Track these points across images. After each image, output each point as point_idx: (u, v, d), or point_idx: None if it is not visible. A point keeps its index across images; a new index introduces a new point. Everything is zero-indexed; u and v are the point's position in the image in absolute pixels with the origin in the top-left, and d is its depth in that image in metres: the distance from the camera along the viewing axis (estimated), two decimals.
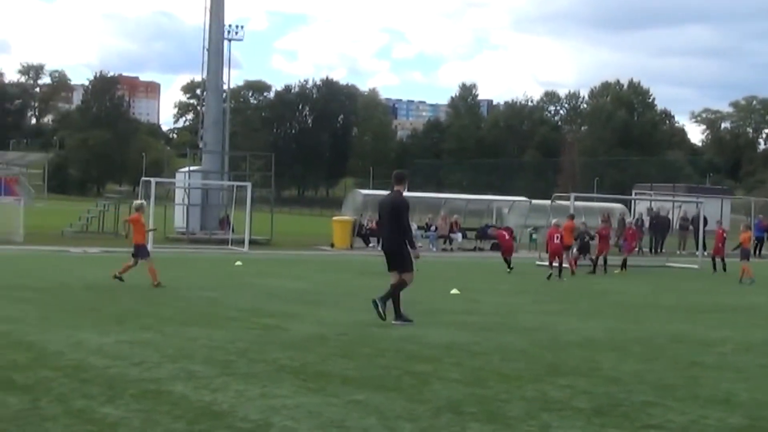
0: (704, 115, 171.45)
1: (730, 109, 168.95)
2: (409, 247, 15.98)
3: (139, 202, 24.67)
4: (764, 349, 14.33)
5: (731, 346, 14.41)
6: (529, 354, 13.00)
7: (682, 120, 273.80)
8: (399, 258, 15.92)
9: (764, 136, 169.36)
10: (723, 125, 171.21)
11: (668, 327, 16.78)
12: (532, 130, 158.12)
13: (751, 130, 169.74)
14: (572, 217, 31.47)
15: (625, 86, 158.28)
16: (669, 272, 34.38)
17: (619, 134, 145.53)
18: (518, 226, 47.58)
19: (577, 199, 38.25)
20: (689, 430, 8.69)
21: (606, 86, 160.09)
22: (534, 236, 46.36)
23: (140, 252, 22.16)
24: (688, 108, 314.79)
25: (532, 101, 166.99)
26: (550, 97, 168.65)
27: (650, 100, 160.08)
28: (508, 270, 29.66)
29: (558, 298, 22.10)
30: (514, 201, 52.53)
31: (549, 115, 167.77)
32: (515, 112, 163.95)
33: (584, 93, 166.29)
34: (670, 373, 11.73)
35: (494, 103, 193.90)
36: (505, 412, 9.21)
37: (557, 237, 28.42)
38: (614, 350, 13.61)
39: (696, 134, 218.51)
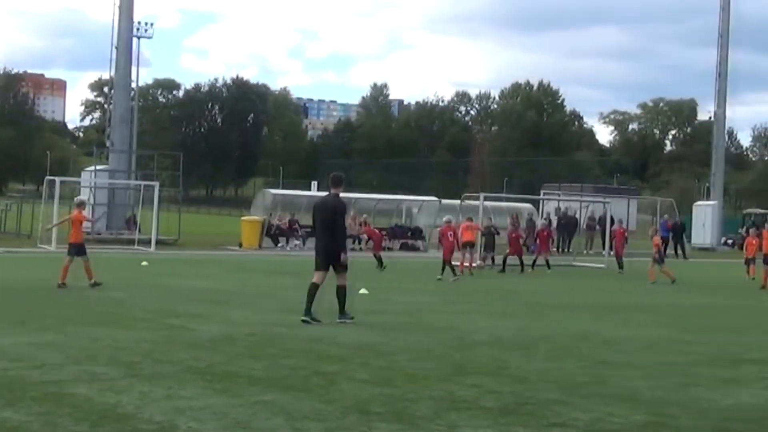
0: (612, 117, 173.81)
1: (638, 111, 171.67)
2: (342, 249, 16.31)
3: (80, 198, 24.16)
4: (667, 347, 14.56)
5: (635, 345, 14.62)
6: (436, 354, 13.03)
7: (591, 121, 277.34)
8: (336, 258, 16.12)
9: (671, 137, 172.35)
10: (631, 126, 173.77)
11: (575, 326, 16.96)
12: (442, 130, 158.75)
13: (658, 132, 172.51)
14: (446, 220, 31.59)
15: (535, 87, 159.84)
16: (576, 271, 34.80)
17: (528, 135, 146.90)
18: (427, 226, 47.75)
19: (486, 198, 38.48)
20: (594, 428, 8.77)
21: (516, 87, 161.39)
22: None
23: (78, 250, 21.58)
24: (597, 109, 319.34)
25: (443, 101, 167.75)
26: (461, 97, 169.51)
27: (560, 101, 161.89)
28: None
29: (466, 298, 22.20)
30: (424, 201, 52.66)
31: (460, 115, 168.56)
32: (426, 112, 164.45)
33: (495, 94, 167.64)
34: (576, 372, 11.85)
35: (405, 103, 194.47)
36: (412, 411, 9.20)
37: (450, 235, 28.42)
38: (521, 349, 13.71)
39: (604, 135, 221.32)
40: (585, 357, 13.15)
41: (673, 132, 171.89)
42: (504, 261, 31.80)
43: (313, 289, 16.03)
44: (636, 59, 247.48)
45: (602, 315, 19.35)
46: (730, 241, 62.57)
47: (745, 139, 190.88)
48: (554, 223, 51.80)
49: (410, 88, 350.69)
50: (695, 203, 66.66)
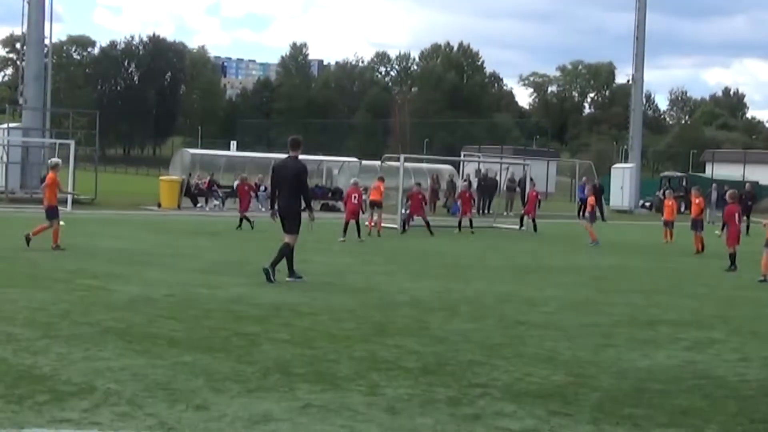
0: (532, 79, 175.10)
1: (557, 73, 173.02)
2: (307, 209, 16.81)
3: (55, 160, 23.52)
4: (587, 308, 14.72)
5: (555, 306, 14.76)
6: (358, 314, 13.02)
7: (511, 83, 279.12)
8: (291, 221, 16.51)
9: (589, 100, 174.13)
10: (550, 89, 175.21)
11: (495, 287, 17.06)
12: (362, 91, 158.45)
13: (576, 95, 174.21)
14: (382, 178, 31.63)
15: (456, 48, 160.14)
16: (496, 233, 35.01)
17: (449, 96, 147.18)
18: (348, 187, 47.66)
19: (407, 160, 38.49)
20: (514, 388, 8.83)
21: (436, 48, 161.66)
22: (363, 197, 46.49)
23: (51, 212, 21.18)
24: (517, 71, 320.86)
25: (363, 62, 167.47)
26: (381, 58, 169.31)
27: (480, 63, 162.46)
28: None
29: (388, 259, 22.22)
30: (344, 161, 52.60)
31: (380, 76, 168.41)
32: (346, 72, 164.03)
33: (415, 55, 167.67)
34: (496, 333, 11.92)
35: (325, 63, 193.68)
36: (334, 372, 9.19)
37: (354, 197, 28.44)
38: (442, 310, 13.76)
39: (524, 97, 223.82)
40: (505, 318, 13.24)
41: (591, 95, 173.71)
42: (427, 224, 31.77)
43: (287, 250, 16.49)
44: (554, 22, 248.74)
45: (523, 276, 19.49)
46: (647, 204, 63.44)
47: (662, 103, 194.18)
48: (474, 185, 52.12)
49: (330, 49, 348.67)
50: (613, 166, 67.42)
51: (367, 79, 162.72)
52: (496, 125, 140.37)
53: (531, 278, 19.06)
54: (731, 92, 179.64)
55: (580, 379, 9.35)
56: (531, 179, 40.05)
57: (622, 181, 60.40)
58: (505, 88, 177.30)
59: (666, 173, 77.27)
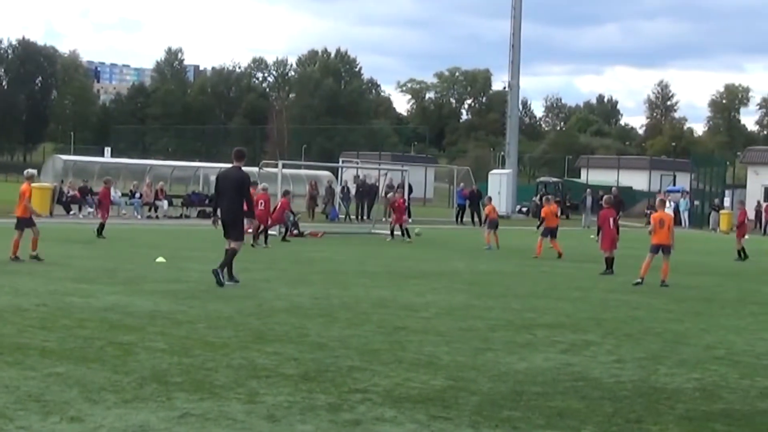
0: (409, 85, 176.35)
1: (435, 80, 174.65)
2: (252, 217, 18.14)
3: (31, 171, 22.90)
4: (465, 312, 14.81)
5: (434, 311, 14.82)
6: (236, 321, 12.88)
7: (389, 89, 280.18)
8: (236, 228, 17.42)
9: (466, 106, 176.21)
10: (427, 95, 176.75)
11: (374, 293, 17.07)
12: (239, 97, 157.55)
13: (454, 101, 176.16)
14: (262, 187, 31.37)
15: (333, 55, 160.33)
16: (375, 239, 35.06)
17: (326, 102, 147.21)
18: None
19: (285, 166, 38.38)
20: (394, 393, 8.82)
21: (314, 54, 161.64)
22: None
23: (27, 223, 21.05)
24: (394, 78, 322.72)
25: (240, 67, 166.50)
26: (258, 63, 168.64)
27: (357, 69, 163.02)
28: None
29: (266, 266, 22.05)
30: (221, 168, 52.10)
31: (257, 81, 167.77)
32: (223, 78, 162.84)
33: (292, 60, 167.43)
34: (375, 338, 11.91)
35: (201, 68, 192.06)
36: (212, 380, 9.07)
37: (261, 203, 28.30)
38: (321, 316, 13.70)
39: (402, 104, 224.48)
40: (384, 323, 13.24)
41: (468, 101, 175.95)
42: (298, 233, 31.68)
43: (232, 255, 17.32)
44: (431, 28, 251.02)
45: (401, 282, 19.54)
46: (524, 209, 64.42)
47: (538, 109, 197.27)
48: (353, 191, 52.23)
49: (206, 54, 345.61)
50: (490, 172, 68.24)
51: (244, 84, 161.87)
52: (374, 131, 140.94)
53: (409, 284, 19.12)
54: (605, 99, 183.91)
55: (460, 383, 9.39)
56: (393, 186, 40.27)
57: (499, 186, 61.09)
58: (382, 94, 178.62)
59: (542, 179, 78.62)
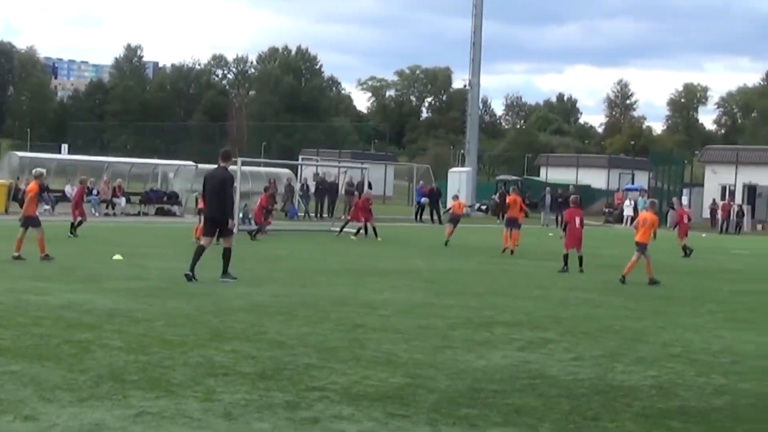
0: (370, 83, 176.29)
1: (395, 78, 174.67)
2: (230, 216, 18.44)
3: (40, 170, 22.71)
4: (424, 310, 14.82)
5: (392, 309, 14.81)
6: (193, 319, 12.81)
7: (349, 87, 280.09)
8: (223, 225, 17.92)
9: (427, 104, 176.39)
10: (388, 93, 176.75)
11: (333, 291, 17.04)
12: (199, 94, 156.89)
13: (414, 99, 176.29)
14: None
15: (293, 52, 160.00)
16: (335, 236, 34.99)
17: (287, 100, 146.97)
18: (184, 191, 47.06)
19: (244, 164, 38.23)
20: (352, 391, 8.81)
21: (274, 51, 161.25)
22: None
23: (32, 222, 20.88)
24: (355, 75, 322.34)
25: (199, 64, 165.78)
26: (218, 60, 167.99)
27: (318, 67, 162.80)
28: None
29: None
30: (179, 165, 51.85)
31: (217, 78, 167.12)
32: (182, 74, 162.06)
33: (253, 58, 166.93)
34: (334, 336, 11.89)
35: (160, 65, 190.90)
36: (168, 378, 9.01)
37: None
38: (280, 314, 13.65)
39: (362, 101, 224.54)
40: (343, 321, 13.22)
41: (429, 99, 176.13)
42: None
43: (200, 250, 17.75)
44: (391, 26, 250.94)
45: (361, 279, 19.52)
46: (484, 207, 64.58)
47: (498, 108, 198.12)
48: (312, 189, 52.16)
49: (165, 50, 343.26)
50: (450, 169, 68.38)
51: (204, 81, 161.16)
52: (335, 129, 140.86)
53: (369, 281, 19.11)
54: (565, 98, 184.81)
55: (418, 381, 9.39)
56: (352, 184, 40.24)
57: (459, 184, 61.18)
58: (343, 92, 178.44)
59: (502, 177, 78.91)
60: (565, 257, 23.23)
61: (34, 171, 23.06)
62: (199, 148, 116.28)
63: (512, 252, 27.89)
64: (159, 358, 9.96)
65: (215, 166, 19.31)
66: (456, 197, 34.73)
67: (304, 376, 9.41)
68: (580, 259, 23.15)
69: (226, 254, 17.89)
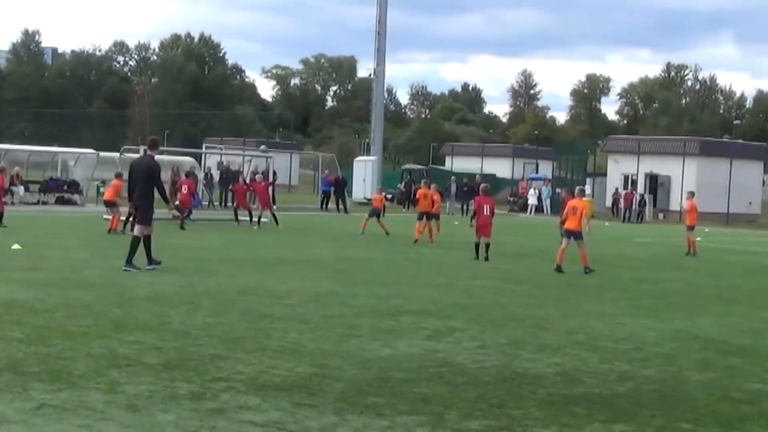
0: (274, 71, 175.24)
1: (300, 66, 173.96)
2: (166, 202, 19.56)
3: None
4: (330, 299, 14.78)
5: (299, 298, 14.74)
6: (95, 310, 12.60)
7: (253, 75, 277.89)
8: (144, 213, 18.05)
9: (332, 93, 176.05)
10: (293, 81, 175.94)
11: (238, 280, 16.89)
12: (100, 81, 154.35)
13: (319, 88, 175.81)
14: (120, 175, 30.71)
15: (197, 39, 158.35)
16: (240, 226, 34.72)
17: (190, 87, 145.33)
18: (85, 180, 46.27)
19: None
20: (258, 381, 8.74)
21: (177, 38, 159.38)
22: (102, 189, 45.30)
23: None
24: (259, 63, 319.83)
25: (100, 50, 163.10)
26: (120, 47, 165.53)
27: (221, 54, 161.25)
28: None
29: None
30: (80, 153, 50.98)
31: (118, 65, 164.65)
32: (82, 61, 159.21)
33: (155, 45, 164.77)
34: (239, 326, 11.79)
35: (60, 51, 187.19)
36: (70, 370, 8.85)
37: (185, 188, 28.15)
38: (184, 304, 13.50)
39: (266, 90, 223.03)
40: (249, 311, 13.11)
41: (334, 88, 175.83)
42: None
43: (135, 241, 17.85)
44: (296, 14, 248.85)
45: (266, 269, 19.40)
46: (389, 196, 64.70)
47: (403, 97, 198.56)
48: (216, 177, 51.76)
49: (65, 36, 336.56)
50: (356, 158, 68.34)
51: (105, 68, 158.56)
52: (239, 117, 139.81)
53: (274, 271, 19.00)
54: (470, 87, 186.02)
55: (325, 370, 9.35)
56: (257, 173, 39.76)
57: (365, 173, 61.28)
58: (247, 80, 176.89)
59: (407, 166, 79.07)
60: (477, 246, 23.42)
61: None
62: (100, 136, 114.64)
63: (416, 241, 28.00)
64: (60, 350, 9.77)
65: (117, 154, 19.26)
66: (380, 190, 34.54)
67: (210, 366, 9.31)
68: (487, 246, 23.33)
69: (146, 242, 17.95)
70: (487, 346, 11.21)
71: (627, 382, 9.55)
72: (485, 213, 23.67)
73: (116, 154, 43.77)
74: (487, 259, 23.09)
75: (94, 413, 7.40)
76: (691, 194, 30.61)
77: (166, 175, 38.22)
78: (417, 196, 29.83)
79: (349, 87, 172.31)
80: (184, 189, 31.07)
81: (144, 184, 18.02)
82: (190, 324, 11.77)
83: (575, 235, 21.46)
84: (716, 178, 59.17)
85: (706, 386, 9.53)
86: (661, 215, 61.68)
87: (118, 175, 29.42)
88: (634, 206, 58.47)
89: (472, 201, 29.92)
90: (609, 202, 62.83)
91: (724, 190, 58.36)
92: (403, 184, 63.18)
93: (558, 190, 48.27)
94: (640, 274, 21.59)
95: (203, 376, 8.87)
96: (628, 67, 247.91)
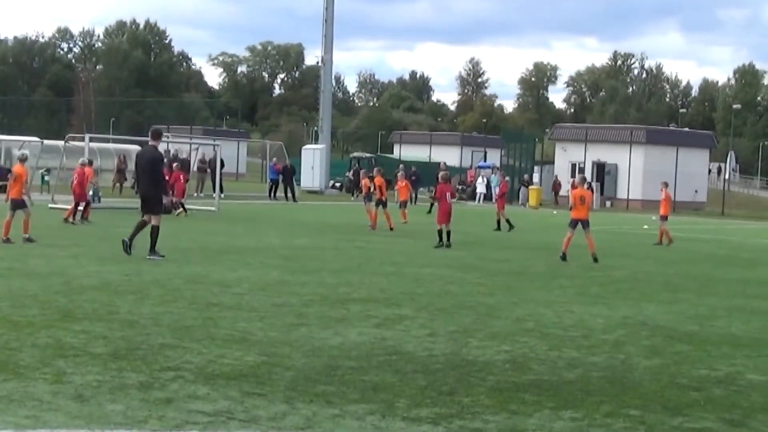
0: (221, 59, 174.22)
1: (247, 54, 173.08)
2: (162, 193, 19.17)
3: (24, 152, 21.71)
4: (279, 288, 14.73)
5: (247, 287, 14.68)
6: (41, 299, 12.46)
7: (200, 62, 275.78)
8: (153, 202, 18.36)
9: (279, 81, 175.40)
10: (240, 69, 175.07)
11: (186, 269, 16.79)
12: (43, 68, 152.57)
13: (266, 75, 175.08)
14: (91, 162, 30.32)
15: (142, 26, 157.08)
16: (186, 216, 34.52)
17: (136, 75, 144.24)
18: (29, 168, 45.64)
19: (92, 140, 37.39)
20: (207, 370, 8.68)
21: (122, 25, 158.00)
22: (46, 178, 44.86)
23: (19, 204, 20.62)
24: (206, 51, 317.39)
25: (43, 37, 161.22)
26: (64, 34, 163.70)
27: (167, 42, 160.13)
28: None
29: (74, 242, 21.43)
30: (24, 141, 50.35)
31: (62, 52, 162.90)
32: (25, 48, 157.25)
33: (99, 31, 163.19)
34: (187, 315, 11.72)
35: (2, 37, 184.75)
36: (16, 360, 8.76)
37: (75, 179, 27.72)
38: (132, 294, 13.39)
39: (213, 77, 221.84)
40: (197, 300, 13.04)
41: (281, 76, 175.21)
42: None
43: (141, 224, 18.36)
44: (243, 1, 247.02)
45: (214, 258, 19.29)
46: (338, 184, 64.70)
47: (351, 85, 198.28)
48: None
49: (7, 23, 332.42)
50: (304, 147, 68.19)
51: (48, 55, 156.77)
52: (186, 105, 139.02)
53: (223, 259, 18.91)
54: (417, 75, 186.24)
55: (274, 359, 9.31)
56: (206, 161, 39.47)
57: (313, 161, 61.18)
58: (194, 67, 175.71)
59: (355, 154, 79.14)
60: (439, 233, 23.63)
61: (19, 154, 23.01)
62: (44, 123, 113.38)
63: (372, 227, 28.40)
64: (5, 340, 9.65)
65: (61, 142, 19.16)
66: (403, 176, 35.43)
67: (158, 355, 9.24)
68: (448, 233, 23.56)
69: (153, 233, 18.13)
70: (437, 333, 11.23)
71: (575, 369, 9.60)
72: (447, 200, 23.90)
73: (61, 142, 43.29)
74: (449, 246, 23.26)
75: (40, 404, 7.31)
76: (665, 184, 30.60)
77: (97, 163, 37.95)
78: (377, 184, 29.78)
79: (296, 75, 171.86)
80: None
81: (148, 174, 18.47)
82: (138, 313, 11.68)
83: (583, 223, 21.79)
84: (663, 167, 59.81)
85: (654, 373, 9.61)
86: (608, 203, 62.21)
87: (83, 164, 29.07)
88: None
89: (425, 189, 30.06)
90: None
91: (671, 179, 58.92)
92: (351, 172, 63.16)
93: (570, 179, 48.16)
94: (588, 262, 21.74)
95: (151, 365, 8.79)
96: (575, 55, 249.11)
